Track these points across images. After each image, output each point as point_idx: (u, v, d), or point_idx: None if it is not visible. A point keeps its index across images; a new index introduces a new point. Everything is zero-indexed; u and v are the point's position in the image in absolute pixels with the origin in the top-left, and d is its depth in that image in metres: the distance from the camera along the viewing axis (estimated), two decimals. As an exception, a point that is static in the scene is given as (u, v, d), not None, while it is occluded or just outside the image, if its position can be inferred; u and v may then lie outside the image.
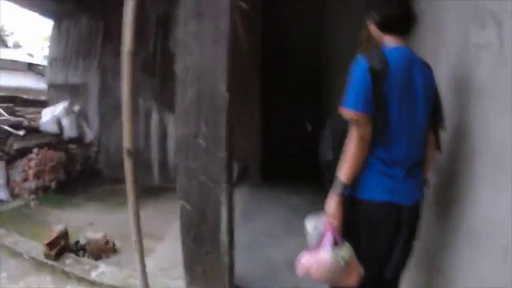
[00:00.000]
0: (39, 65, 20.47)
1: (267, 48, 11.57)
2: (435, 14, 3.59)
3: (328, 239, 2.87)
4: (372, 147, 2.82)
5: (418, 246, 3.23)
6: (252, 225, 6.88)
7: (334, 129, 3.20)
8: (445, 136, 3.16)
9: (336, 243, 2.86)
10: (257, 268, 5.43)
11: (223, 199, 4.20)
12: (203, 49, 4.10)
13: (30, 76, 18.21)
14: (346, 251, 2.84)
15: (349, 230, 2.93)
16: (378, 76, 2.70)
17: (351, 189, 2.88)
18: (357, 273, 2.89)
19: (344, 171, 2.81)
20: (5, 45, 25.52)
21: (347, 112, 2.75)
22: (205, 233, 4.32)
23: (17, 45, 27.08)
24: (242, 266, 4.86)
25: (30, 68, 20.11)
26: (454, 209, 3.20)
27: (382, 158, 2.86)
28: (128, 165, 3.79)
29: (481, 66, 2.86)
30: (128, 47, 3.65)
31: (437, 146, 3.15)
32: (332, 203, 2.87)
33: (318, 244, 2.94)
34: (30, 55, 23.84)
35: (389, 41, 2.95)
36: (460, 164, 3.15)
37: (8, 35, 28.45)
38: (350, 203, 2.89)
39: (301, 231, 4.96)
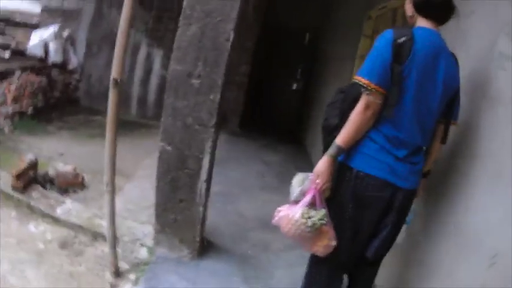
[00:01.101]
0: (34, -12, 20.04)
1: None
2: (462, 13, 3.44)
3: (307, 198, 2.82)
4: (378, 122, 2.78)
5: (405, 233, 3.30)
6: (225, 175, 6.72)
7: (345, 95, 3.14)
8: (451, 133, 3.11)
9: (313, 205, 2.82)
10: (227, 222, 5.33)
11: (208, 145, 4.02)
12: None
13: (26, 0, 17.88)
14: (319, 215, 2.78)
15: (335, 198, 2.92)
16: (400, 52, 2.66)
17: (345, 157, 2.87)
18: (326, 243, 2.84)
19: (343, 136, 2.77)
20: None
21: (360, 79, 2.70)
22: (183, 178, 4.13)
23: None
24: (212, 217, 4.73)
25: None
26: (447, 205, 3.17)
27: (386, 135, 2.80)
28: (112, 96, 3.53)
29: (502, 76, 2.80)
30: None
31: (443, 139, 3.10)
32: (322, 163, 2.81)
33: (299, 201, 2.87)
34: None
35: (422, 24, 2.87)
36: (460, 163, 3.14)
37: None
38: (341, 170, 2.89)
39: (273, 188, 4.86)
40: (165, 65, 10.54)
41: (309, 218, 2.74)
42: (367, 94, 2.66)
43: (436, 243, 3.20)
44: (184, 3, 3.96)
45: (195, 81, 3.89)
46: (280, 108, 13.17)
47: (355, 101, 2.82)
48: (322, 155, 2.98)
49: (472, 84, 3.15)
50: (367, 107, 2.67)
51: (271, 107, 13.05)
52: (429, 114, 2.88)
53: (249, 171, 7.38)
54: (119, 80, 3.50)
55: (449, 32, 3.14)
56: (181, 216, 4.25)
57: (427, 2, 2.86)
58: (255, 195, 6.25)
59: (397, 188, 2.83)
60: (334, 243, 2.81)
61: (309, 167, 8.48)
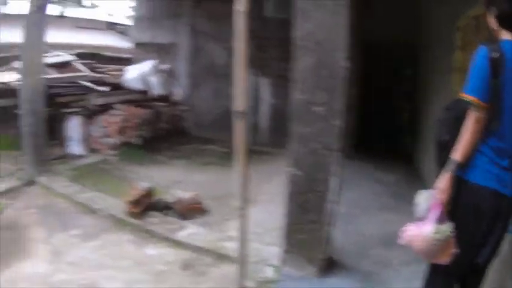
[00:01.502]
0: (120, 24, 20.61)
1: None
2: None
3: (434, 214, 3.00)
4: (484, 135, 2.92)
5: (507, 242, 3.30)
6: (344, 196, 6.73)
7: (454, 112, 3.26)
8: None
9: (440, 220, 2.99)
10: (349, 241, 5.41)
11: (334, 168, 4.20)
12: (323, 17, 4.08)
13: (110, 35, 18.38)
14: (448, 229, 2.96)
15: (453, 210, 3.05)
16: (495, 66, 2.79)
17: (461, 171, 2.99)
18: (451, 252, 2.99)
19: (459, 152, 2.94)
20: (80, 5, 25.75)
21: (467, 97, 2.87)
22: (312, 201, 4.33)
23: (93, 5, 27.23)
24: (335, 236, 4.84)
25: (110, 27, 20.28)
26: None
27: (492, 146, 2.93)
28: (238, 127, 3.77)
29: None
30: (243, 6, 3.65)
31: None
32: (444, 180, 2.99)
33: (424, 217, 3.07)
34: (110, 14, 24.03)
35: (507, 36, 2.95)
36: None
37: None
38: (458, 184, 3.00)
39: (390, 208, 4.94)
40: (273, 93, 10.87)
41: (440, 232, 2.94)
42: (475, 110, 2.83)
43: None
44: (296, 35, 4.17)
45: (317, 109, 4.11)
46: (387, 127, 13.04)
47: (462, 116, 2.99)
48: (436, 170, 3.18)
49: None
50: (476, 122, 2.85)
51: (379, 128, 12.93)
52: None
53: (366, 191, 7.43)
54: (243, 112, 3.73)
55: None
56: (309, 236, 4.45)
57: (505, 15, 2.97)
58: (373, 214, 6.32)
59: (504, 196, 2.94)
60: (455, 251, 2.98)
61: (421, 183, 8.45)
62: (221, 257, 5.08)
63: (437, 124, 3.56)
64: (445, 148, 3.21)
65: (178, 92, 12.06)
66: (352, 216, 6.13)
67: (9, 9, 16.68)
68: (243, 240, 4.08)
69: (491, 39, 3.01)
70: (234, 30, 3.70)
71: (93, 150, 9.44)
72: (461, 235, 2.98)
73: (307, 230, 4.43)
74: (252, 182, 6.94)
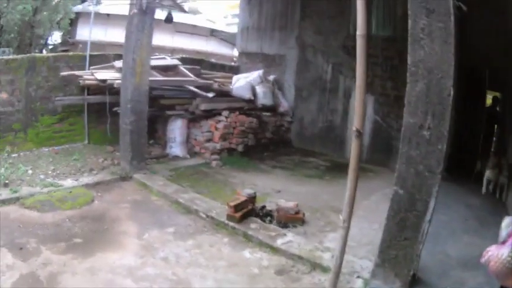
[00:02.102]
0: (221, 31, 20.94)
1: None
2: None
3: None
4: None
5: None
6: (433, 217, 6.82)
7: None
8: None
9: None
10: (434, 260, 5.52)
11: (434, 189, 4.38)
12: (433, 46, 4.28)
13: (212, 41, 18.75)
14: None
15: None
16: None
17: None
18: None
19: None
20: (182, 10, 26.14)
21: None
22: (411, 219, 4.52)
23: (195, 11, 27.70)
24: (422, 256, 4.90)
25: (213, 33, 20.63)
26: None
27: None
28: (354, 145, 4.00)
29: None
30: (362, 30, 3.88)
31: None
32: None
33: (505, 241, 3.23)
34: (212, 21, 24.38)
35: None
36: None
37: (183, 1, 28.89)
38: None
39: (475, 230, 5.01)
40: (376, 110, 10.93)
41: None
42: None
43: None
44: (409, 61, 4.39)
45: (426, 133, 4.31)
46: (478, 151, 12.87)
47: None
48: None
49: None
50: None
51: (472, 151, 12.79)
52: None
53: (454, 214, 7.47)
54: (361, 131, 3.97)
55: None
56: (402, 252, 4.63)
57: None
58: (458, 237, 6.39)
59: None
60: None
61: (504, 208, 8.38)
62: (315, 265, 5.24)
63: None
64: None
65: (284, 103, 12.24)
66: (439, 237, 6.19)
67: (107, 9, 17.26)
68: (342, 252, 4.27)
69: None
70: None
71: (194, 154, 9.78)
72: None
73: (401, 247, 4.61)
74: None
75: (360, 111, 3.95)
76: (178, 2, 9.91)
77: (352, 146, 4.01)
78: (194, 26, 19.95)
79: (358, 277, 5.01)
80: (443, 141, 4.29)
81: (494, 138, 13.22)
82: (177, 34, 16.67)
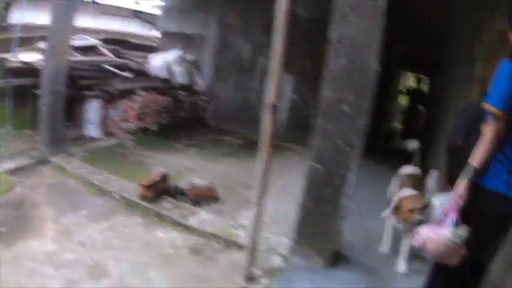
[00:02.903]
0: (146, 13, 20.65)
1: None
2: None
3: (452, 218, 3.13)
4: (502, 145, 3.07)
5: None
6: (354, 194, 6.82)
7: (467, 118, 3.50)
8: None
9: (456, 223, 3.11)
10: (356, 236, 5.55)
11: (353, 164, 4.37)
12: (360, 22, 4.24)
13: (136, 23, 18.46)
14: (464, 232, 3.06)
15: (467, 214, 3.15)
16: None
17: (477, 177, 3.12)
18: (461, 253, 3.12)
19: (477, 159, 3.08)
20: None
21: (489, 107, 3.02)
22: (328, 194, 4.49)
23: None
24: (343, 232, 4.95)
25: (136, 15, 20.32)
26: None
27: (508, 155, 3.09)
28: (268, 119, 3.93)
29: None
30: (283, 6, 3.80)
31: None
32: (462, 185, 3.13)
33: (440, 220, 3.23)
34: (137, 2, 23.93)
35: None
36: None
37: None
38: (474, 190, 3.13)
39: None
40: (294, 90, 10.94)
41: (457, 235, 3.05)
42: (496, 121, 2.99)
43: None
44: (333, 36, 4.34)
45: (346, 108, 4.28)
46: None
47: (475, 122, 3.23)
48: (446, 174, 3.48)
49: None
50: (496, 132, 3.00)
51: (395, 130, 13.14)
52: None
53: (377, 191, 7.45)
54: (274, 105, 3.92)
55: None
56: (321, 228, 4.61)
57: None
58: (380, 213, 6.29)
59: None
60: (465, 252, 3.11)
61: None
62: (231, 243, 5.17)
63: (451, 130, 3.77)
64: (457, 153, 3.44)
65: (201, 83, 12.14)
66: (360, 213, 6.25)
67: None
68: (256, 229, 4.25)
69: None
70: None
71: (110, 134, 9.51)
72: (473, 237, 3.09)
73: (319, 222, 4.59)
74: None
75: (275, 86, 3.86)
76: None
77: (267, 120, 3.93)
78: (119, 8, 19.58)
79: (276, 254, 4.95)
80: (364, 116, 4.28)
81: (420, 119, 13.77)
82: (102, 16, 16.26)
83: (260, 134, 4.02)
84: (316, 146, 4.46)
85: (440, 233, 3.11)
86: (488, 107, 3.01)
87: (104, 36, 12.06)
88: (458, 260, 3.15)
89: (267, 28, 4.10)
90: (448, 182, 3.77)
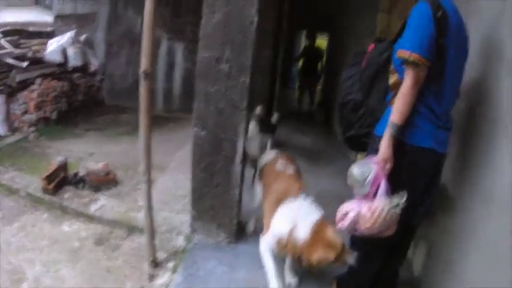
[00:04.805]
0: (46, -1, 20.24)
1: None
2: None
3: (383, 187, 2.82)
4: (424, 97, 2.82)
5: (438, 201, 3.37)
6: None
7: (366, 69, 3.21)
8: (470, 98, 3.27)
9: (388, 191, 2.82)
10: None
11: (241, 128, 4.06)
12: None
13: (37, 10, 18.04)
14: (400, 198, 2.77)
15: (395, 176, 2.88)
16: (441, 26, 2.71)
17: (400, 134, 2.84)
18: (397, 222, 2.86)
19: (398, 114, 2.77)
20: None
21: (407, 54, 2.71)
22: (218, 163, 4.18)
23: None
24: (245, 201, 4.71)
25: (37, 2, 19.93)
26: (476, 169, 3.19)
27: (433, 109, 2.86)
28: (143, 87, 3.58)
29: None
30: None
31: None
32: (387, 147, 2.81)
33: (367, 193, 2.88)
34: None
35: None
36: (484, 125, 3.15)
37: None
38: (398, 149, 2.84)
39: (304, 170, 4.86)
40: (187, 58, 10.78)
41: (395, 204, 2.76)
42: (416, 69, 2.69)
43: (468, 209, 3.22)
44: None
45: (224, 66, 3.93)
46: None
47: (379, 72, 3.01)
48: (344, 133, 3.29)
49: (488, 48, 3.19)
50: (416, 81, 2.70)
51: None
52: (459, 81, 2.98)
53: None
54: (148, 72, 3.53)
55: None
56: (218, 201, 4.32)
57: None
58: None
59: (441, 154, 2.94)
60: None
61: (336, 147, 8.52)
62: (132, 228, 4.97)
63: (343, 83, 3.44)
64: (357, 109, 3.21)
65: (95, 62, 11.74)
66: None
67: None
68: (149, 209, 3.96)
69: None
70: None
71: (15, 129, 9.13)
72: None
73: (215, 195, 4.30)
74: (163, 149, 6.84)
75: (147, 51, 3.51)
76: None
77: (141, 89, 3.57)
78: None
79: (179, 234, 4.69)
80: (246, 73, 3.93)
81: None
82: (2, 9, 15.76)
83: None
84: (198, 110, 4.13)
85: (374, 207, 2.79)
86: (405, 54, 2.71)
87: (4, 28, 11.62)
88: (394, 229, 2.89)
89: None
90: (347, 144, 3.60)
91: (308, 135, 10.07)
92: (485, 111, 3.10)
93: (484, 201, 2.97)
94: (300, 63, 13.46)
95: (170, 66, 11.28)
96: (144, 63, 3.54)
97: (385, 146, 2.79)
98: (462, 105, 3.33)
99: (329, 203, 3.61)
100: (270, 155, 4.44)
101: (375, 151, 2.87)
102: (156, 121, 8.76)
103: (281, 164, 4.13)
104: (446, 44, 2.72)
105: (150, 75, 3.57)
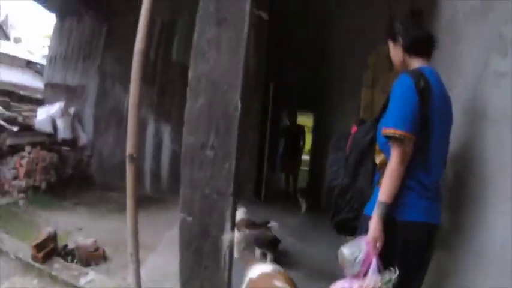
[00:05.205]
0: (38, 63, 20.45)
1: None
2: (453, 39, 3.60)
3: (374, 265, 2.80)
4: (412, 170, 2.83)
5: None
6: None
7: (351, 152, 3.24)
8: (457, 163, 3.31)
9: (379, 269, 2.80)
10: None
11: (228, 213, 4.05)
12: (220, 56, 4.01)
13: (28, 74, 18.25)
14: (392, 275, 2.76)
15: (387, 253, 2.87)
16: (424, 96, 2.75)
17: (390, 212, 2.83)
18: None
19: (386, 193, 2.78)
20: (7, 38, 25.19)
21: (391, 131, 2.75)
22: (206, 247, 4.16)
23: (17, 40, 26.85)
24: (236, 283, 4.57)
25: (29, 65, 20.10)
26: (463, 232, 3.26)
27: (422, 181, 2.88)
28: (129, 171, 3.63)
29: (499, 94, 2.89)
30: (140, 46, 3.60)
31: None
32: (376, 226, 2.80)
33: (358, 272, 2.85)
34: (30, 52, 23.75)
35: (417, 64, 2.99)
36: (473, 189, 3.19)
37: (11, 28, 28.12)
38: (388, 227, 2.83)
39: (295, 250, 4.89)
40: (173, 139, 10.91)
41: (387, 281, 2.74)
42: (401, 145, 2.72)
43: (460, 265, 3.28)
44: (190, 76, 4.09)
45: (209, 152, 3.97)
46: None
47: (364, 153, 3.06)
48: (333, 219, 3.30)
49: (471, 105, 3.28)
50: (403, 158, 2.73)
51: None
52: (446, 148, 3.03)
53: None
54: (134, 155, 3.59)
55: (443, 59, 3.27)
56: (208, 282, 4.25)
57: (417, 42, 3.02)
58: None
59: (434, 225, 2.94)
60: None
61: (328, 226, 8.56)
62: None
63: (328, 168, 3.48)
64: (345, 193, 3.22)
65: (83, 137, 11.91)
66: (255, 259, 5.99)
67: None
68: (137, 286, 4.01)
69: (406, 70, 2.98)
70: (150, 78, 3.59)
71: (4, 193, 9.26)
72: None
73: (203, 277, 4.25)
74: (152, 229, 6.88)
75: (132, 134, 3.56)
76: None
77: (127, 172, 3.61)
78: (13, 57, 19.32)
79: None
80: (231, 159, 3.96)
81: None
82: None
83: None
84: (184, 195, 4.13)
85: (365, 285, 2.77)
86: (389, 131, 2.76)
87: None
88: None
89: (144, 77, 3.87)
90: (336, 229, 3.57)
91: (297, 216, 10.19)
92: (475, 171, 3.17)
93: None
94: (281, 145, 13.22)
95: (158, 147, 11.36)
96: (129, 146, 3.60)
97: (374, 225, 2.79)
98: (450, 174, 3.40)
99: (320, 280, 3.62)
100: (262, 268, 3.94)
101: (366, 231, 2.88)
102: (144, 201, 8.87)
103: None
104: (430, 113, 2.77)
105: (136, 159, 3.62)
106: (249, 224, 6.39)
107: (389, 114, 2.84)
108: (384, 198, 2.78)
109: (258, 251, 6.12)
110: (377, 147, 3.09)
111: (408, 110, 2.74)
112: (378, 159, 3.04)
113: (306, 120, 15.90)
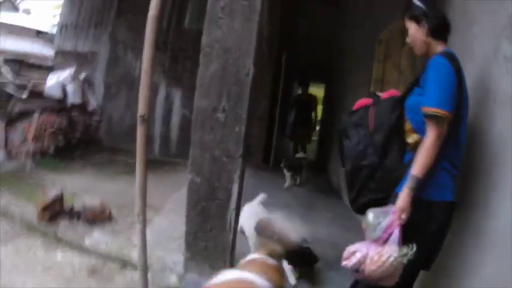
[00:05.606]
0: (48, 33, 20.40)
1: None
2: (465, 23, 3.63)
3: (396, 235, 2.82)
4: (446, 151, 2.86)
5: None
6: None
7: (377, 129, 3.21)
8: (466, 147, 3.19)
9: (399, 241, 2.81)
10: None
11: (236, 176, 4.16)
12: (233, 23, 4.07)
13: (38, 43, 18.17)
14: (410, 250, 2.77)
15: (416, 230, 2.88)
16: (459, 77, 2.81)
17: (419, 191, 2.84)
18: (400, 273, 2.84)
19: (420, 168, 2.78)
20: (16, 10, 25.14)
21: (432, 110, 2.75)
22: (213, 208, 4.28)
23: (27, 11, 26.76)
24: (240, 245, 4.76)
25: (39, 35, 20.07)
26: (467, 212, 3.24)
27: (454, 162, 2.93)
28: (140, 131, 3.69)
29: (509, 79, 2.91)
30: (154, 11, 3.62)
31: None
32: (405, 198, 2.81)
33: (379, 238, 2.87)
34: (40, 22, 23.74)
35: (440, 47, 3.02)
36: (479, 170, 3.20)
37: (20, 1, 28.08)
38: (418, 203, 2.85)
39: (299, 216, 4.93)
40: (184, 104, 10.94)
41: (404, 255, 2.75)
42: (442, 124, 2.75)
43: (462, 245, 3.28)
44: (203, 42, 4.16)
45: (220, 115, 4.08)
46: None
47: (392, 132, 3.08)
48: (357, 200, 3.26)
49: (481, 89, 3.28)
50: (439, 137, 2.75)
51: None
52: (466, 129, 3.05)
53: (276, 202, 7.29)
54: (145, 116, 3.65)
55: (455, 42, 3.30)
56: (212, 243, 4.39)
57: (441, 24, 3.06)
58: None
59: (454, 203, 2.99)
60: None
61: (333, 194, 8.58)
62: (126, 263, 5.00)
63: (350, 149, 3.38)
64: (374, 171, 3.17)
65: (93, 102, 11.88)
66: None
67: None
68: (143, 247, 3.98)
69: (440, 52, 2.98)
70: (160, 44, 3.64)
71: (13, 157, 9.27)
72: (418, 252, 2.82)
73: (209, 238, 4.38)
74: (159, 191, 6.93)
75: (144, 96, 3.63)
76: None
77: (138, 133, 3.68)
78: (23, 28, 19.31)
79: (171, 272, 4.73)
80: (242, 123, 4.08)
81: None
82: (5, 36, 15.87)
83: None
84: (193, 157, 4.24)
85: (383, 252, 2.79)
86: (433, 110, 2.75)
87: (6, 56, 11.72)
88: (396, 280, 2.86)
89: (156, 44, 3.91)
90: (358, 211, 3.44)
91: (305, 184, 10.15)
92: (483, 155, 3.18)
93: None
94: (292, 114, 13.01)
95: (168, 112, 11.42)
96: (141, 107, 3.65)
97: (404, 197, 2.81)
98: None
99: (325, 249, 3.68)
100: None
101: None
102: (153, 164, 8.85)
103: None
104: (463, 94, 2.85)
105: (147, 120, 3.68)
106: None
107: (432, 94, 2.82)
108: (416, 172, 2.79)
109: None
110: (408, 126, 3.10)
111: (450, 90, 2.77)
112: (412, 139, 3.06)
113: (317, 91, 15.71)
